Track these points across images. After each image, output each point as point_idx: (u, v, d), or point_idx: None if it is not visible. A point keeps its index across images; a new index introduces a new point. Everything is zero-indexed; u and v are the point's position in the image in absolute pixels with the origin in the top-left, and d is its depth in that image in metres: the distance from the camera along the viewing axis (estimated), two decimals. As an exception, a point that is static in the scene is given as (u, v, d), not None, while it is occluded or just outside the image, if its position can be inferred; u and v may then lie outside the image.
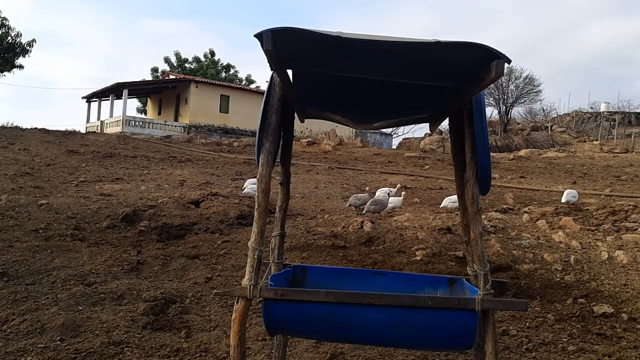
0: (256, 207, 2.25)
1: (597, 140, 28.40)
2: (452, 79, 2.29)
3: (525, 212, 8.36)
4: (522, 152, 22.84)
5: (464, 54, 1.93)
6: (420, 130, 78.46)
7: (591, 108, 35.49)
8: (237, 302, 2.16)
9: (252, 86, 41.41)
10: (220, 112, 33.09)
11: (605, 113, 33.08)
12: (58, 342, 3.35)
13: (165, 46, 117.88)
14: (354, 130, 31.88)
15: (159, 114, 36.26)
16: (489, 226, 6.96)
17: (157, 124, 31.00)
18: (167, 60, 42.80)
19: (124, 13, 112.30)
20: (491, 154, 6.56)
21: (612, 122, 31.33)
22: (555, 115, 36.93)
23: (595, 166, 17.26)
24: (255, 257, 2.18)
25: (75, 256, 5.41)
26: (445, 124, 4.33)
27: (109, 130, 29.58)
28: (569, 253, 5.91)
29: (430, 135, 30.02)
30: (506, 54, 1.82)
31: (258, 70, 67.71)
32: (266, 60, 2.02)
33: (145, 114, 39.93)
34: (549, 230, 7.06)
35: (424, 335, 2.14)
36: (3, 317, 3.70)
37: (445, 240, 6.35)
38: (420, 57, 2.03)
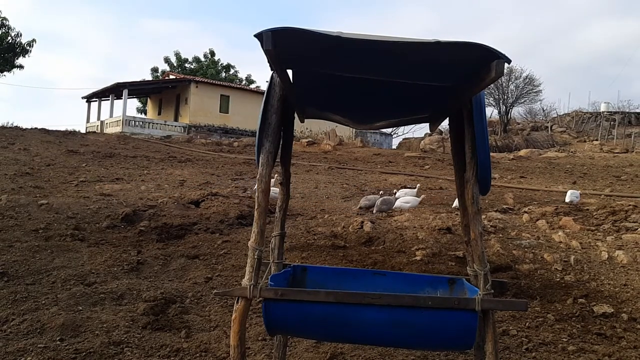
0: (256, 207, 2.25)
1: (597, 140, 28.38)
2: (452, 79, 2.29)
3: (525, 212, 8.35)
4: (522, 152, 22.82)
5: (464, 54, 1.93)
6: (420, 130, 78.51)
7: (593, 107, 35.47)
8: (237, 302, 2.16)
9: (252, 86, 41.42)
10: (220, 112, 33.07)
11: (605, 113, 33.06)
12: (58, 342, 3.35)
13: (165, 46, 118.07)
14: (354, 130, 31.91)
15: (159, 114, 36.24)
16: (489, 226, 6.96)
17: (157, 124, 30.98)
18: (167, 60, 42.88)
19: (124, 13, 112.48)
20: (491, 154, 6.58)
21: (612, 122, 31.30)
22: (555, 115, 36.90)
23: (595, 166, 17.25)
24: (255, 257, 2.18)
25: (75, 256, 5.41)
26: (445, 124, 4.34)
27: (109, 130, 29.57)
28: (569, 253, 5.91)
29: (430, 135, 29.99)
30: (506, 54, 1.83)
31: (258, 70, 67.96)
32: (266, 60, 2.02)
33: (145, 114, 39.92)
34: (549, 230, 7.06)
35: (424, 335, 2.14)
36: (3, 317, 3.70)
37: (445, 240, 6.36)
38: (420, 57, 2.03)
